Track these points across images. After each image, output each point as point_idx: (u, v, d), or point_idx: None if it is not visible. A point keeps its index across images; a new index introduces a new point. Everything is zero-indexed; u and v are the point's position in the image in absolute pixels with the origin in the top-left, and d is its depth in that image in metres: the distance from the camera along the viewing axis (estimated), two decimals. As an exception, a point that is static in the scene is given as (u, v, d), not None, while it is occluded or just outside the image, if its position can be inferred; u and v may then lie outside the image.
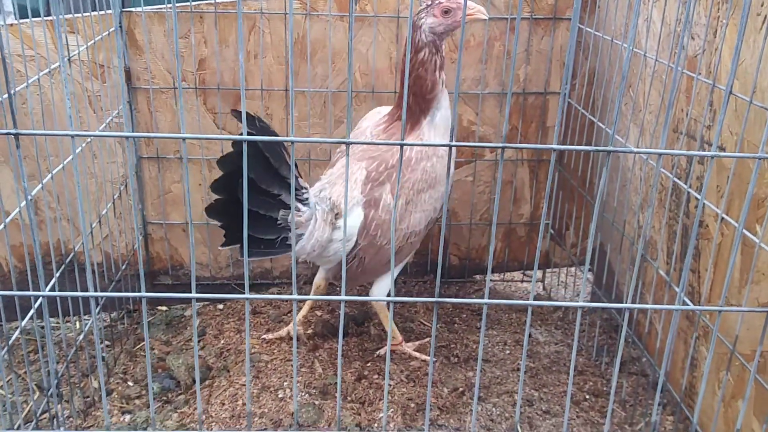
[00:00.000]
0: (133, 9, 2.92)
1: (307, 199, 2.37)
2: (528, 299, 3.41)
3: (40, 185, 2.49)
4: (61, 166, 2.55)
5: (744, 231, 1.90)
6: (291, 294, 1.03)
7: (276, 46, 3.00)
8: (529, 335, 2.98)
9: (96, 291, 3.15)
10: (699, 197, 2.16)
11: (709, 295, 2.21)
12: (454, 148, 1.78)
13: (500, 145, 1.15)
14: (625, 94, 2.75)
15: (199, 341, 3.04)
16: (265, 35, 2.99)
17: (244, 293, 3.51)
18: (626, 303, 1.19)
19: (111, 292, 3.08)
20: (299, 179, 2.40)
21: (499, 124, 3.17)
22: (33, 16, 2.86)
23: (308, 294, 3.27)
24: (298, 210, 2.34)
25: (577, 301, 3.31)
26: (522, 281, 3.56)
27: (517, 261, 3.52)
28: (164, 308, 3.45)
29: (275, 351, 2.77)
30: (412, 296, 3.34)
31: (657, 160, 2.27)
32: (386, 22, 3.00)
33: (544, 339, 2.97)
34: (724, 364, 2.14)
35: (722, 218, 2.02)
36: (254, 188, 2.16)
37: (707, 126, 2.13)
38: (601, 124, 2.79)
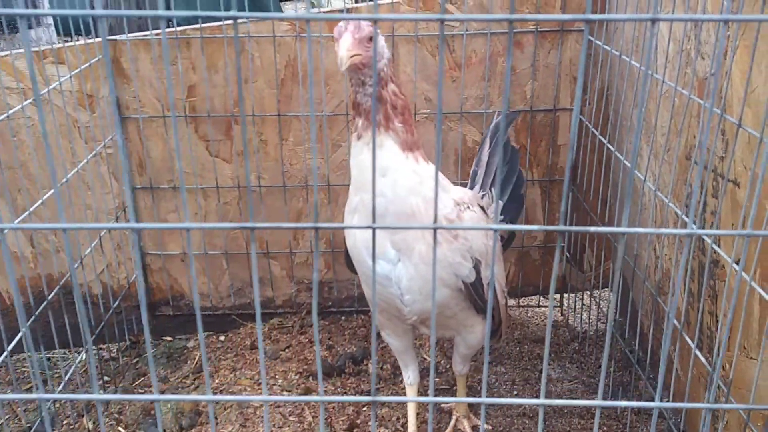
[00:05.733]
0: (117, 37, 2.82)
1: None
2: (544, 325, 3.21)
3: (26, 212, 2.42)
4: (49, 193, 2.47)
5: (759, 289, 1.69)
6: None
7: (266, 70, 2.86)
8: (542, 371, 2.78)
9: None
10: (712, 243, 1.95)
11: (727, 342, 1.99)
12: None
13: (493, 226, 0.98)
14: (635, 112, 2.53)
15: (195, 378, 2.94)
16: (255, 59, 2.85)
17: (245, 324, 3.36)
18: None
19: (109, 322, 2.99)
20: None
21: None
22: (75, 33, 2.76)
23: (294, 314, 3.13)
24: None
25: (595, 325, 3.09)
26: (539, 306, 3.36)
27: (532, 285, 3.32)
28: (169, 338, 3.37)
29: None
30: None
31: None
32: (381, 41, 2.83)
33: (557, 376, 2.77)
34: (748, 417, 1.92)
35: (736, 262, 1.81)
36: None
37: (720, 157, 1.91)
38: (619, 155, 2.54)
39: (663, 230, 0.96)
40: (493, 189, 2.41)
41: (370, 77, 1.85)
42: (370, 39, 1.80)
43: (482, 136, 2.57)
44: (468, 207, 2.04)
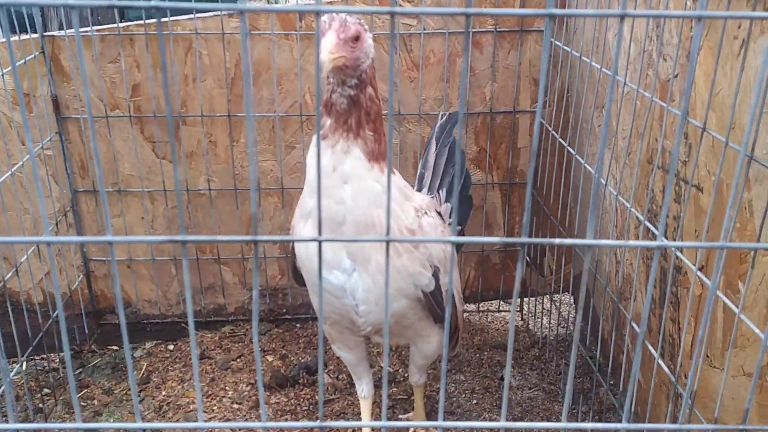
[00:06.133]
0: (56, 33, 2.66)
1: None
2: (505, 331, 3.15)
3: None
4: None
5: (724, 298, 1.64)
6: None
7: (216, 69, 2.74)
8: (501, 378, 2.72)
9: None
10: (675, 250, 1.90)
11: (689, 351, 1.94)
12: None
13: (451, 239, 0.89)
14: (598, 116, 2.48)
15: (141, 390, 2.80)
16: (203, 57, 2.72)
17: (195, 332, 3.25)
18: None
19: (49, 331, 2.83)
20: None
21: (465, 147, 2.90)
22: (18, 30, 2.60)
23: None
24: None
25: (556, 330, 3.04)
26: (499, 311, 3.29)
27: (492, 289, 3.25)
28: (114, 347, 3.21)
29: (215, 408, 2.51)
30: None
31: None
32: (336, 39, 2.72)
33: (517, 383, 2.70)
34: None
35: (701, 269, 1.76)
36: None
37: (683, 161, 1.86)
38: (580, 159, 2.48)
39: (631, 242, 0.88)
40: (440, 191, 2.34)
41: (351, 77, 1.72)
42: (357, 38, 1.68)
43: (428, 138, 2.50)
44: (426, 213, 1.96)
